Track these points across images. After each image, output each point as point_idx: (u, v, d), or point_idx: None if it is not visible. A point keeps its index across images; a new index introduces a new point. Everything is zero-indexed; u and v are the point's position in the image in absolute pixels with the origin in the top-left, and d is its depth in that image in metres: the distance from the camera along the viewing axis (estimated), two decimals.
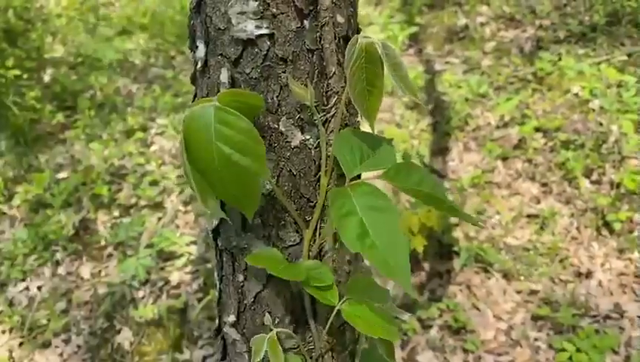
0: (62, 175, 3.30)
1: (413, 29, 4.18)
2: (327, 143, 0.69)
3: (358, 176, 0.73)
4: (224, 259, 0.75)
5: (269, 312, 0.72)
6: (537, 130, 3.11)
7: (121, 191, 3.16)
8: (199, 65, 0.69)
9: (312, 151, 0.71)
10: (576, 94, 3.24)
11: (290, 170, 0.70)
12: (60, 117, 3.79)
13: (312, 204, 0.72)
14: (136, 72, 4.32)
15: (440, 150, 3.20)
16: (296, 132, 0.69)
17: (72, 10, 4.89)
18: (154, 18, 4.77)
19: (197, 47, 0.70)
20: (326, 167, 0.69)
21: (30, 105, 3.74)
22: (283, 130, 0.69)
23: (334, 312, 0.66)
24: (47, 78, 4.11)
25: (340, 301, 0.67)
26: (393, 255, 0.58)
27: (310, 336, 0.73)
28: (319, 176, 0.70)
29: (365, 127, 0.72)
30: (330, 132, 0.69)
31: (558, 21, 3.93)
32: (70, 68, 4.32)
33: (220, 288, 0.78)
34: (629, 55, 3.40)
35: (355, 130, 0.70)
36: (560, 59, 3.51)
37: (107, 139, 3.53)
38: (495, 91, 3.50)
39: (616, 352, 2.13)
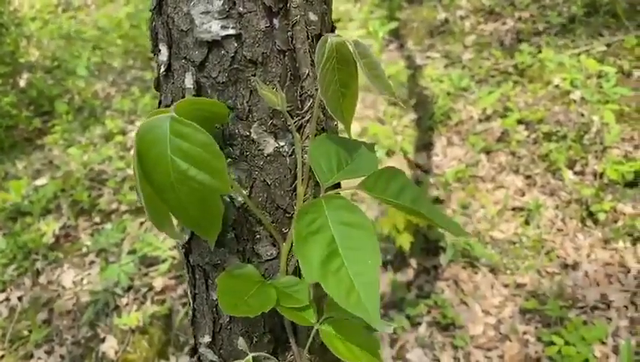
0: (40, 182, 3.22)
1: (394, 24, 4.15)
2: (302, 150, 0.65)
3: (338, 185, 0.69)
4: (197, 276, 0.71)
5: (247, 332, 0.68)
6: (520, 122, 3.10)
7: (102, 197, 3.09)
8: (162, 69, 0.65)
9: (287, 159, 0.66)
10: (557, 86, 3.23)
11: (264, 180, 0.66)
12: (37, 122, 3.71)
13: (288, 215, 0.67)
14: (114, 74, 4.24)
15: (424, 145, 3.18)
16: (270, 139, 0.65)
17: (47, 14, 4.78)
18: (130, 19, 4.68)
19: (159, 50, 0.65)
20: (302, 175, 0.65)
21: (6, 111, 3.66)
22: (255, 137, 0.64)
23: (314, 331, 0.62)
24: (22, 83, 4.02)
25: (319, 319, 0.63)
26: (363, 281, 0.53)
27: (291, 355, 0.69)
28: (295, 185, 0.66)
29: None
30: (306, 138, 0.65)
31: (537, 13, 3.93)
32: (46, 72, 4.22)
33: (193, 307, 0.73)
34: (608, 45, 3.41)
35: (331, 136, 0.66)
36: (540, 51, 3.50)
37: (86, 144, 3.46)
38: (477, 85, 3.48)
39: (604, 343, 2.12)
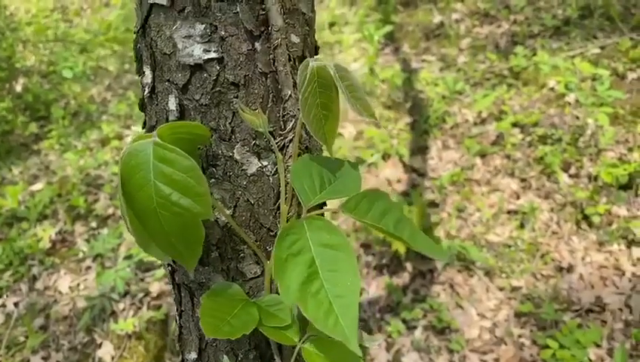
0: (36, 187, 3.23)
1: (389, 27, 4.16)
2: (285, 169, 0.65)
3: (323, 203, 0.70)
4: (182, 294, 0.72)
5: (232, 349, 0.68)
6: (515, 125, 3.11)
7: (98, 202, 3.10)
8: (147, 91, 0.65)
9: (271, 179, 0.67)
10: (551, 89, 3.24)
11: (248, 200, 0.66)
12: (33, 127, 3.71)
13: (272, 233, 0.68)
14: (110, 79, 4.25)
15: (419, 149, 3.19)
16: (253, 159, 0.66)
17: (43, 18, 4.79)
18: (126, 23, 4.69)
19: (144, 72, 0.66)
20: (285, 194, 0.65)
21: (2, 116, 3.66)
22: (238, 157, 0.65)
23: (297, 350, 0.63)
24: (18, 88, 4.02)
25: (302, 337, 0.63)
26: (342, 303, 0.54)
27: None
28: (279, 205, 0.67)
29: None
30: (289, 157, 0.66)
31: (531, 16, 3.94)
32: (42, 77, 4.23)
33: (180, 324, 0.74)
34: (602, 48, 3.42)
35: (314, 156, 0.67)
36: (535, 54, 3.51)
37: (82, 149, 3.46)
38: (472, 88, 3.49)
39: (598, 346, 2.13)
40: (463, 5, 4.31)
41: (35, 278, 2.74)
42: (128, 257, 2.73)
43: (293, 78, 0.65)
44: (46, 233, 2.90)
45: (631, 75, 3.18)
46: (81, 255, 2.83)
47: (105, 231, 2.91)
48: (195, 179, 0.53)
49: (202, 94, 0.63)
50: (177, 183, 0.53)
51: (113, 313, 2.54)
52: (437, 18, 4.24)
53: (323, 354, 0.61)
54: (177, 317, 0.74)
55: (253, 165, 0.66)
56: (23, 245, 2.83)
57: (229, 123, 0.64)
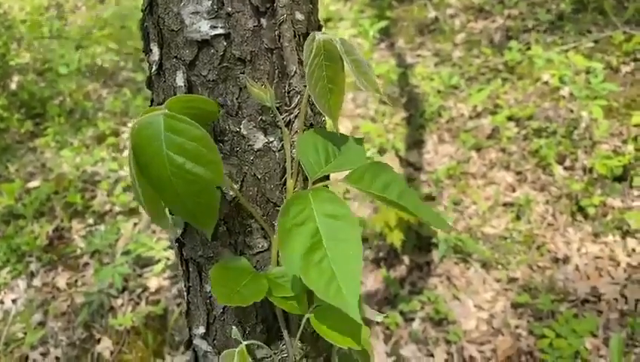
0: (33, 184, 3.22)
1: (384, 23, 4.18)
2: (291, 145, 0.67)
3: (326, 178, 0.71)
4: (190, 269, 0.73)
5: (239, 322, 0.69)
6: (510, 119, 3.13)
7: (95, 198, 3.10)
8: (154, 69, 0.66)
9: (277, 154, 0.68)
10: (546, 82, 3.27)
11: (255, 175, 0.67)
12: (28, 125, 3.70)
13: (278, 208, 0.69)
14: (105, 76, 4.24)
15: (415, 143, 3.21)
16: (259, 134, 0.67)
17: (37, 15, 4.77)
18: (121, 20, 4.68)
19: (151, 50, 0.67)
20: (291, 169, 0.67)
21: None
22: (245, 133, 0.66)
23: (304, 319, 0.64)
24: (13, 86, 4.01)
25: (309, 308, 0.65)
26: (344, 271, 0.54)
27: (284, 344, 0.71)
28: (285, 179, 0.68)
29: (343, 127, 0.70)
30: (294, 133, 0.67)
31: (526, 10, 3.96)
32: (37, 74, 4.21)
33: (187, 299, 0.75)
34: (596, 41, 3.44)
35: (319, 130, 0.68)
36: (529, 48, 3.54)
37: (78, 146, 3.45)
38: (467, 82, 3.51)
39: (595, 335, 2.15)
40: (457, 0, 4.33)
41: (32, 275, 2.73)
42: (126, 253, 2.73)
43: (298, 54, 0.66)
44: (43, 230, 2.90)
45: (624, 68, 3.21)
46: (78, 251, 2.82)
47: (102, 227, 2.91)
48: (207, 148, 0.54)
49: (209, 70, 0.64)
50: (189, 152, 0.54)
51: (112, 308, 2.54)
52: (432, 13, 4.26)
53: (331, 324, 0.62)
54: (185, 293, 0.75)
55: (260, 141, 0.67)
56: (20, 242, 2.82)
57: (236, 98, 0.65)
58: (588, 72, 3.17)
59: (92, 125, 3.63)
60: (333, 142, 0.67)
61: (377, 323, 2.34)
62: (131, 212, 3.00)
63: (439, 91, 3.46)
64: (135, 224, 2.92)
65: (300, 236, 0.57)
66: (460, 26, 4.07)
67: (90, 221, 2.98)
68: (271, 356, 0.70)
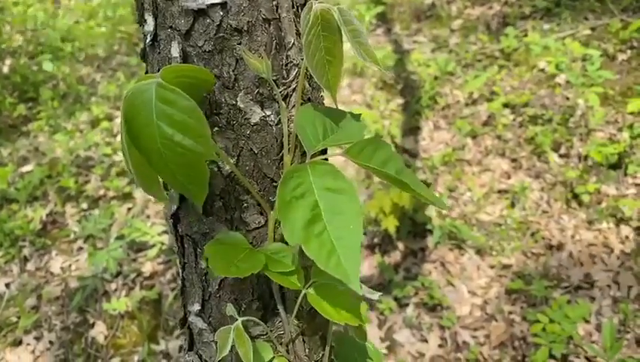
0: (26, 168, 3.20)
1: (381, 8, 4.15)
2: (288, 119, 0.65)
3: (324, 153, 0.70)
4: (185, 245, 0.71)
5: (235, 299, 0.69)
6: (506, 106, 3.13)
7: (89, 183, 3.08)
8: (148, 39, 0.65)
9: (274, 128, 0.67)
10: (542, 69, 3.26)
11: (251, 149, 0.66)
12: (21, 109, 3.66)
13: (275, 183, 0.68)
14: (99, 60, 4.20)
15: (411, 129, 3.20)
16: (256, 108, 0.65)
17: None
18: (114, 6, 4.63)
19: (145, 20, 0.65)
20: (289, 144, 0.65)
21: None
22: (241, 106, 0.65)
23: (301, 296, 0.64)
24: (5, 69, 3.96)
25: (306, 284, 0.64)
26: (344, 244, 0.54)
27: (280, 321, 0.70)
28: (282, 155, 0.67)
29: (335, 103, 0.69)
30: (292, 107, 0.65)
31: None
32: (30, 58, 4.17)
33: (183, 276, 0.74)
34: (593, 29, 3.43)
35: (317, 105, 0.67)
36: (526, 35, 3.52)
37: (72, 130, 3.43)
38: (463, 69, 3.50)
39: (587, 321, 2.17)
40: None
41: (26, 259, 2.72)
42: (120, 237, 2.71)
43: (296, 25, 0.64)
44: (37, 214, 2.88)
45: (621, 56, 3.20)
46: (72, 236, 2.81)
47: (96, 211, 2.90)
48: (195, 120, 0.53)
49: (205, 40, 0.62)
50: (178, 124, 0.53)
51: (106, 293, 2.54)
52: None
53: (327, 299, 0.62)
54: (180, 270, 0.74)
55: (257, 114, 0.65)
56: (14, 226, 2.80)
57: (232, 70, 0.63)
58: (584, 60, 3.16)
59: (86, 109, 3.60)
60: (331, 116, 0.66)
61: (371, 308, 2.34)
62: (125, 196, 2.98)
63: (435, 78, 3.45)
64: (129, 209, 2.91)
65: (300, 208, 0.56)
66: (456, 12, 4.05)
67: (84, 205, 2.96)
68: (267, 333, 0.69)
